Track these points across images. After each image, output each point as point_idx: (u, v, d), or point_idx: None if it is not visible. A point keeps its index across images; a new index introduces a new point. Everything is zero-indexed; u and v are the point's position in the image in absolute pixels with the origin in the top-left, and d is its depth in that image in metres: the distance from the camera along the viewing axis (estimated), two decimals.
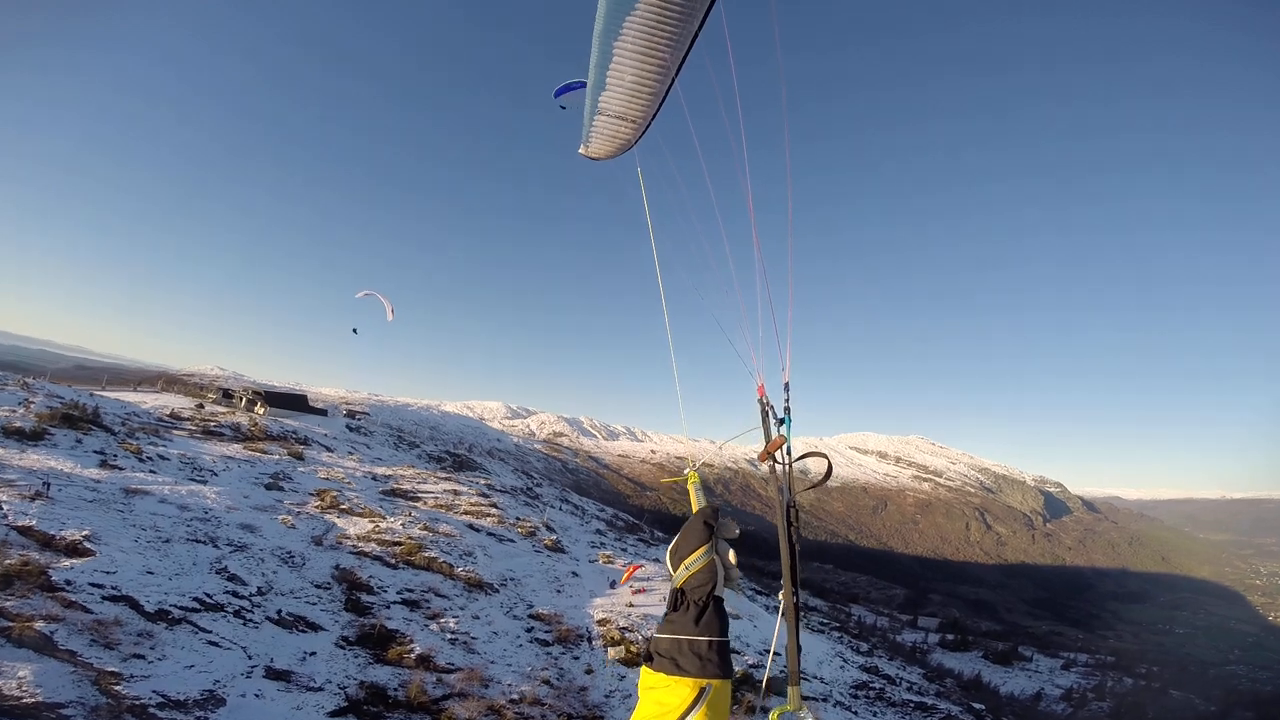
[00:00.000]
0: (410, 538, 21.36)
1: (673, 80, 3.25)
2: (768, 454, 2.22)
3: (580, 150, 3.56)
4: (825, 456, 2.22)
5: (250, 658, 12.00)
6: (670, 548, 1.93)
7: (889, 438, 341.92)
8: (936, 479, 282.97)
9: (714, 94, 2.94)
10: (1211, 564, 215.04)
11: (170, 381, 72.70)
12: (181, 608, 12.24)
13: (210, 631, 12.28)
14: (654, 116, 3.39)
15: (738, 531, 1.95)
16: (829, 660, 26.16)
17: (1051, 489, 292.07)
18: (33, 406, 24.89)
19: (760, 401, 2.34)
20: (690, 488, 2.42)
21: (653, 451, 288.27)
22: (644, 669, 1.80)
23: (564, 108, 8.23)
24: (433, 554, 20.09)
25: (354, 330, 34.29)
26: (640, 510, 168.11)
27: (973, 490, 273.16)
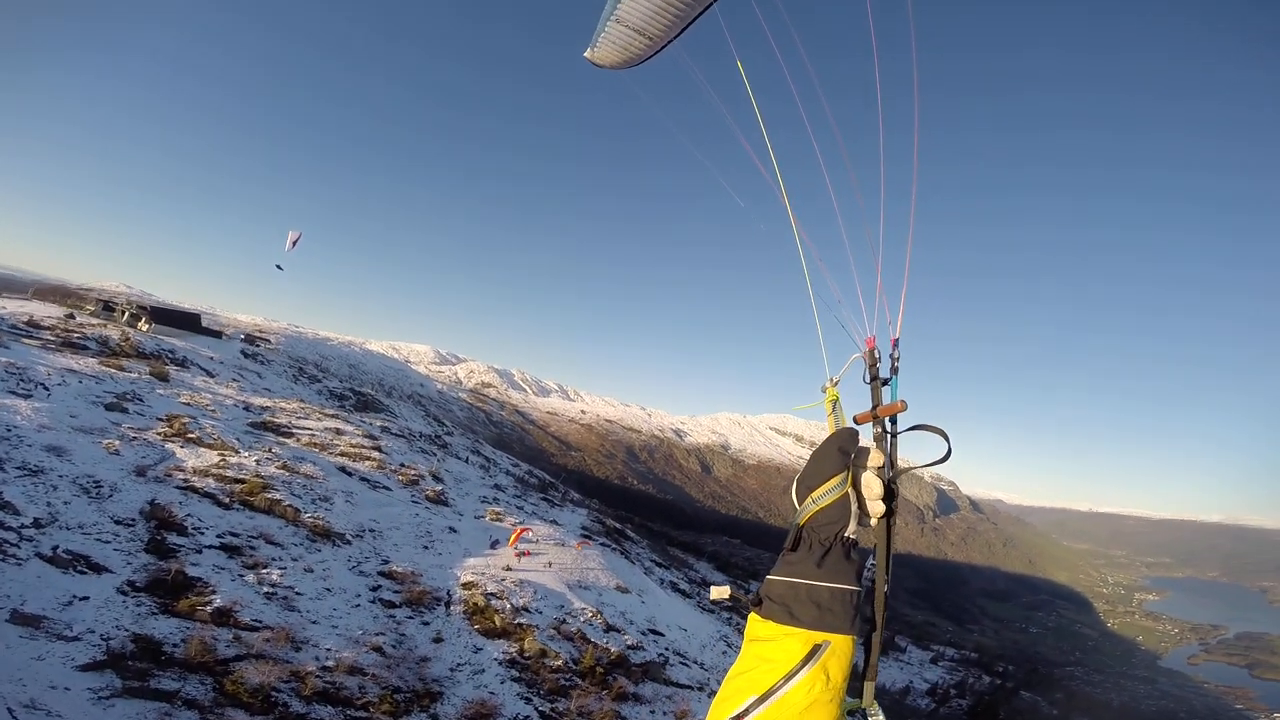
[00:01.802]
0: (258, 476, 19.47)
1: (708, 5, 2.93)
2: (876, 417, 1.74)
3: (585, 54, 3.32)
4: (943, 433, 1.69)
5: None
6: (798, 477, 1.59)
7: (808, 423, 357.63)
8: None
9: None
10: (1069, 570, 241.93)
11: (55, 293, 64.45)
12: None
13: None
14: (675, 38, 3.11)
15: (880, 460, 1.56)
16: (713, 644, 25.58)
17: (945, 487, 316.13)
18: None
19: (868, 354, 1.88)
20: (827, 406, 1.86)
21: (583, 412, 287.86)
22: (751, 616, 1.53)
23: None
24: (278, 495, 18.38)
25: (278, 267, 33.15)
26: (562, 470, 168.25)
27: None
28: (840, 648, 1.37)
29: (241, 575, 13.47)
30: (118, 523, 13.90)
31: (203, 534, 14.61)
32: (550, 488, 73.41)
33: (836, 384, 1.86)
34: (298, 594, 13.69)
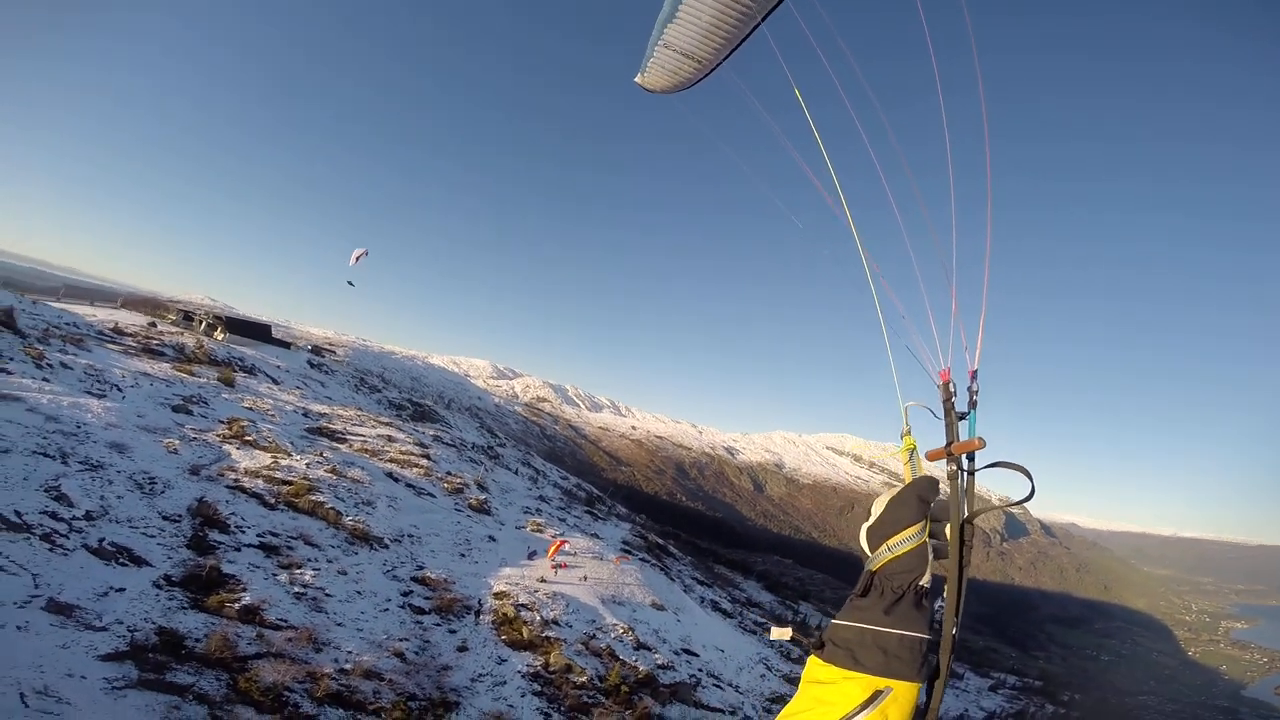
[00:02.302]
0: (306, 478, 19.86)
1: (756, 26, 2.92)
2: (951, 455, 1.65)
3: (636, 79, 3.38)
4: (1025, 471, 1.57)
5: (37, 586, 10.50)
6: (869, 524, 1.57)
7: (867, 442, 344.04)
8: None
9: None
10: (1148, 596, 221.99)
11: (144, 303, 70.29)
12: None
13: (0, 554, 10.78)
14: (724, 60, 3.13)
15: (966, 513, 1.56)
16: (751, 666, 24.11)
17: (1014, 510, 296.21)
18: None
19: (943, 388, 1.77)
20: (903, 456, 1.79)
21: (633, 427, 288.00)
22: (812, 659, 1.51)
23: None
24: (322, 498, 18.63)
25: (349, 283, 36.07)
26: (611, 484, 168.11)
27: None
28: (902, 695, 1.36)
29: (275, 575, 13.53)
30: (165, 518, 14.31)
31: (244, 532, 14.84)
32: (597, 501, 73.07)
33: (909, 432, 1.78)
34: (328, 595, 13.62)
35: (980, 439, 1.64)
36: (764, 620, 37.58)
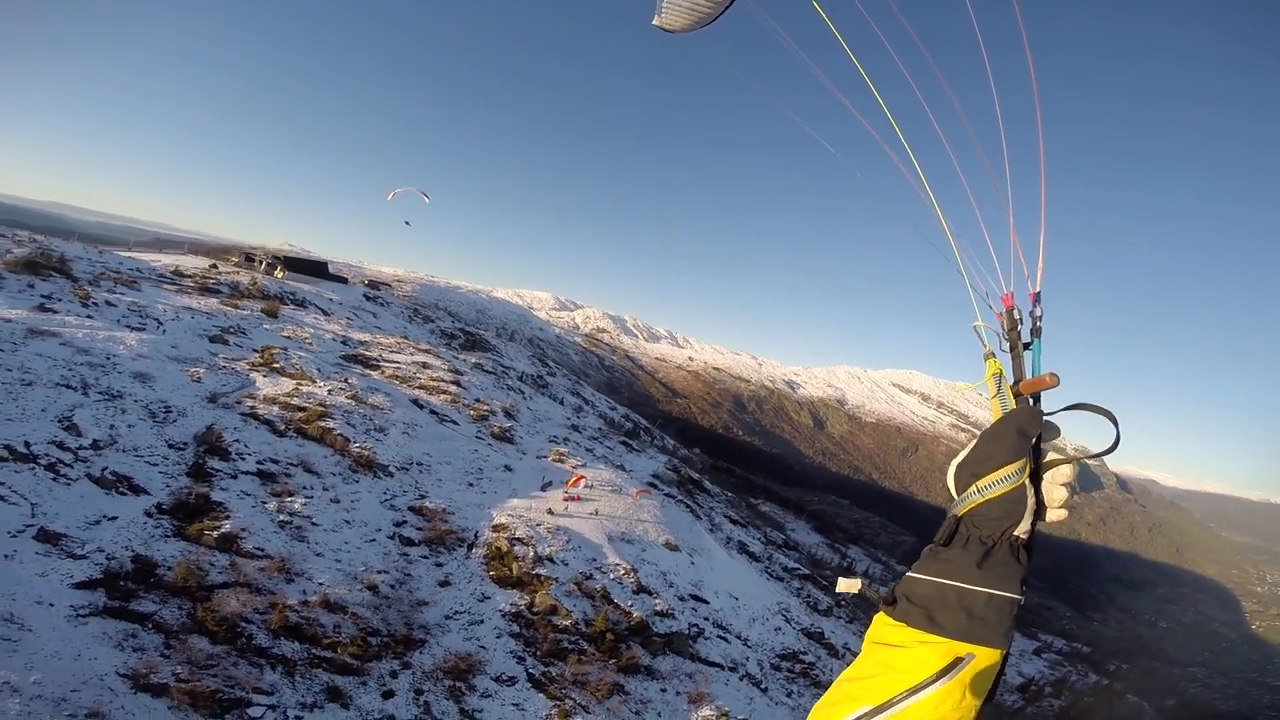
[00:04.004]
0: (322, 404, 20.43)
1: None
2: (1019, 395, 1.41)
3: (654, 21, 3.26)
4: (1110, 416, 1.37)
5: (33, 516, 11.14)
6: (956, 461, 1.38)
7: (935, 380, 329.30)
8: (975, 430, 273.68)
9: None
10: (1221, 564, 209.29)
11: (215, 250, 74.31)
12: None
13: (3, 484, 11.48)
14: None
15: (1071, 450, 1.46)
16: (768, 617, 22.71)
17: (1090, 461, 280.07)
18: (9, 256, 24.54)
19: (1007, 315, 1.54)
20: (989, 382, 1.49)
21: (690, 359, 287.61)
22: (879, 616, 1.34)
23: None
24: (332, 425, 19.11)
25: (406, 223, 39.81)
26: (665, 416, 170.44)
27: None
28: (985, 662, 1.19)
29: (264, 502, 13.99)
30: (171, 446, 14.98)
31: (243, 459, 15.39)
32: (641, 433, 74.00)
33: (992, 355, 1.53)
34: (314, 524, 14.01)
35: (1053, 375, 1.41)
36: (797, 565, 36.87)
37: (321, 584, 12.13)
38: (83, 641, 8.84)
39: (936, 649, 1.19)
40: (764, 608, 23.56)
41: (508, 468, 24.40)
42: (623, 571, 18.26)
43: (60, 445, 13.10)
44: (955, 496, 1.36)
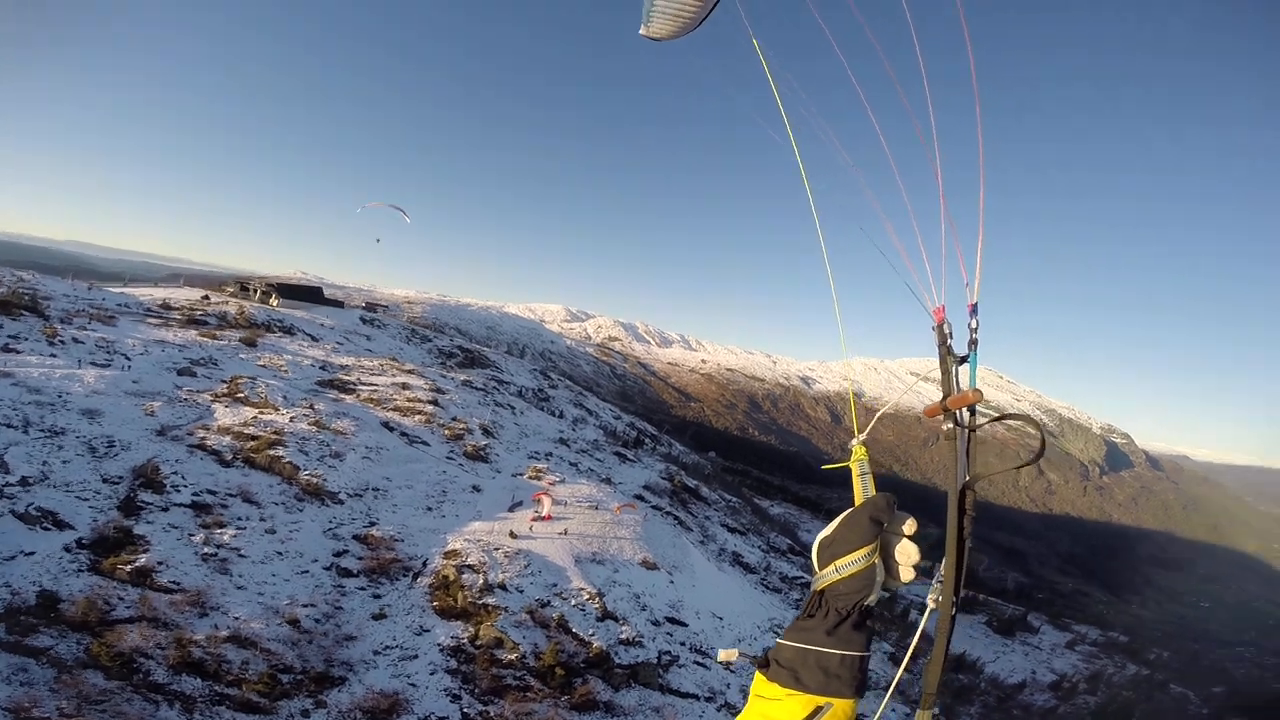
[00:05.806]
0: (277, 432, 20.47)
1: None
2: (946, 409, 1.57)
3: (641, 31, 3.34)
4: (1035, 424, 1.64)
5: None
6: (820, 539, 1.59)
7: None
8: (994, 414, 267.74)
9: None
10: (1261, 539, 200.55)
11: (213, 281, 76.01)
12: None
13: None
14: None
15: (914, 528, 1.54)
16: (756, 637, 21.08)
17: (1118, 439, 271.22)
18: None
19: (938, 330, 1.64)
20: (854, 469, 1.71)
21: (703, 361, 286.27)
22: (758, 675, 1.58)
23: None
24: (282, 453, 19.11)
25: (377, 240, 40.39)
26: (679, 421, 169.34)
27: (1032, 433, 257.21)
28: (840, 710, 1.44)
29: (191, 535, 13.92)
30: (105, 480, 15.05)
31: (179, 491, 15.39)
32: (645, 441, 73.37)
33: (863, 441, 1.73)
34: (241, 556, 13.89)
35: (976, 390, 1.53)
36: (799, 574, 35.64)
37: (237, 618, 11.97)
38: None
39: (800, 701, 1.44)
40: (753, 625, 22.14)
41: (476, 488, 24.13)
42: (587, 596, 17.25)
43: None
44: (817, 571, 1.57)
